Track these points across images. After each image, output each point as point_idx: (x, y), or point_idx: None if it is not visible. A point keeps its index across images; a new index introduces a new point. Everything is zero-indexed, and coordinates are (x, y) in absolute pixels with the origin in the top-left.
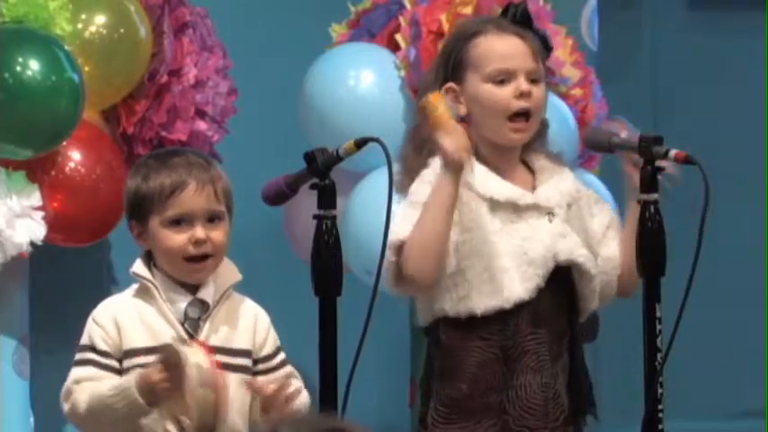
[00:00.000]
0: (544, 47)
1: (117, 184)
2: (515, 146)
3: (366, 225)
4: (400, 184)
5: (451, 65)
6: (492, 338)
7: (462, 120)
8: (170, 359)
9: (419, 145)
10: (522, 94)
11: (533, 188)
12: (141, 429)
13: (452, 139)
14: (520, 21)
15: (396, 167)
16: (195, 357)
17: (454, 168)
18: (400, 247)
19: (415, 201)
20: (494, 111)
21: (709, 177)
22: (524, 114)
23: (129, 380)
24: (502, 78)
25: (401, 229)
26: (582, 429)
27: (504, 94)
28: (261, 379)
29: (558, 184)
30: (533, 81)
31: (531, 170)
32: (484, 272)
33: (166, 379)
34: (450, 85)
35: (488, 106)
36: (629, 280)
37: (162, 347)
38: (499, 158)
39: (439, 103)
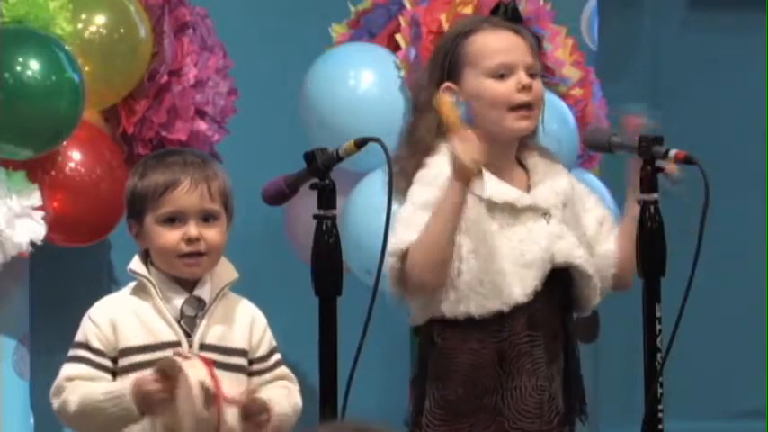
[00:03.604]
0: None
1: (117, 184)
2: (520, 136)
3: (366, 225)
4: (396, 186)
5: (447, 64)
6: (487, 340)
7: (470, 121)
8: (167, 369)
9: (414, 146)
10: (524, 88)
11: (528, 187)
12: None
13: (465, 147)
14: (511, 18)
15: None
16: (196, 373)
17: (464, 177)
18: (405, 254)
19: (416, 204)
20: (496, 105)
21: (709, 176)
22: (526, 106)
23: (124, 385)
24: (502, 73)
25: (404, 235)
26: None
27: (505, 88)
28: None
29: (553, 184)
30: (531, 76)
31: (525, 168)
32: (482, 274)
33: (162, 389)
34: (448, 84)
35: (490, 101)
36: (625, 276)
37: (162, 359)
38: (497, 156)
39: (444, 105)
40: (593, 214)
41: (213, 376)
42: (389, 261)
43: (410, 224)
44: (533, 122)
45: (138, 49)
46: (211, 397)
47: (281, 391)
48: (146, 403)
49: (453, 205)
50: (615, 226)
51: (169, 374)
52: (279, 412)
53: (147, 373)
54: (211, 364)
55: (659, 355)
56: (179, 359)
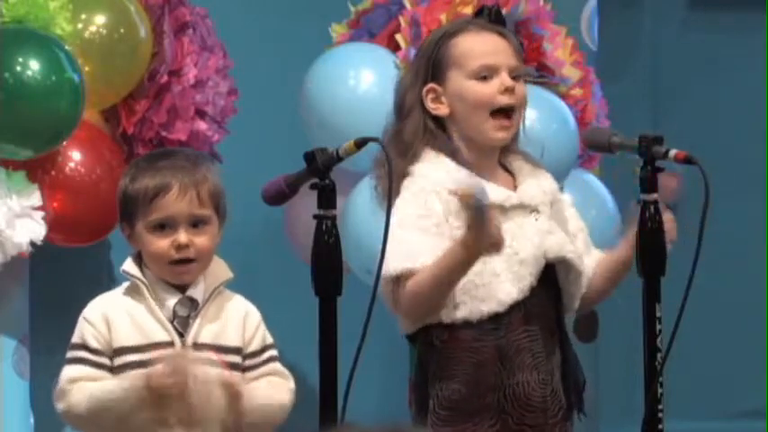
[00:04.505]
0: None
1: (117, 184)
2: (498, 145)
3: (366, 225)
4: (385, 187)
5: (432, 65)
6: (486, 339)
7: (443, 119)
8: (177, 366)
9: (403, 148)
10: (507, 90)
11: (514, 187)
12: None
13: (481, 236)
14: (495, 21)
15: (377, 171)
16: (201, 368)
17: (476, 254)
18: (395, 279)
19: (402, 222)
20: (478, 106)
21: (709, 176)
22: (507, 111)
23: (134, 381)
24: (485, 74)
25: (394, 260)
26: (574, 425)
27: (489, 89)
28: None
29: (540, 183)
30: (515, 78)
31: (509, 171)
32: (476, 277)
33: (175, 383)
34: (432, 85)
35: (472, 102)
36: (590, 299)
37: (171, 355)
38: (481, 160)
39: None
40: (570, 224)
41: (223, 369)
42: (382, 282)
43: (398, 248)
44: (511, 132)
45: (138, 49)
46: (216, 387)
47: (263, 385)
48: (159, 397)
49: (460, 269)
50: (590, 244)
51: (179, 369)
52: (255, 403)
53: (158, 367)
54: (225, 362)
55: (659, 355)
56: (187, 353)
